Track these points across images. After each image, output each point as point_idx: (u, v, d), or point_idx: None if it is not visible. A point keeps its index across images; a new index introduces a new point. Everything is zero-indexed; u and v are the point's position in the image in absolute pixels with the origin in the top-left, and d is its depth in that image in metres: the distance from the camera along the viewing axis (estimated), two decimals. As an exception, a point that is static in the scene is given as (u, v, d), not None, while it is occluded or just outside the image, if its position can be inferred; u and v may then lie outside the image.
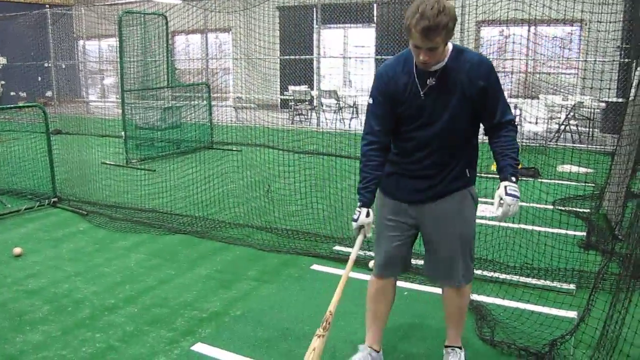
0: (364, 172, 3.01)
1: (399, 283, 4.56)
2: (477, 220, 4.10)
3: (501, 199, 2.89)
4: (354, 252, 3.11)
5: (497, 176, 2.99)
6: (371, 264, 4.76)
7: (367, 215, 3.02)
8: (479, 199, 3.27)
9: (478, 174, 3.27)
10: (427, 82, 2.85)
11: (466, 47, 3.04)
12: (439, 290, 4.44)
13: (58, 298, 4.47)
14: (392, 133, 3.04)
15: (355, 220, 3.02)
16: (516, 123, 3.14)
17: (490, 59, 3.05)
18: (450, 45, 2.84)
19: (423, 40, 2.64)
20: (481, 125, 3.05)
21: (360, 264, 4.61)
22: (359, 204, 3.02)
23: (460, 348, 3.37)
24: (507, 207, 2.86)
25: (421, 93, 2.87)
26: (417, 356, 3.56)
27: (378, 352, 3.40)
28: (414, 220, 3.14)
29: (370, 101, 3.01)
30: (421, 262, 5.06)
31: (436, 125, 2.91)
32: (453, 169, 3.03)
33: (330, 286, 3.67)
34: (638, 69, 5.96)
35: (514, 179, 2.89)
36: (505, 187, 2.89)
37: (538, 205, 6.54)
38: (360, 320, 3.93)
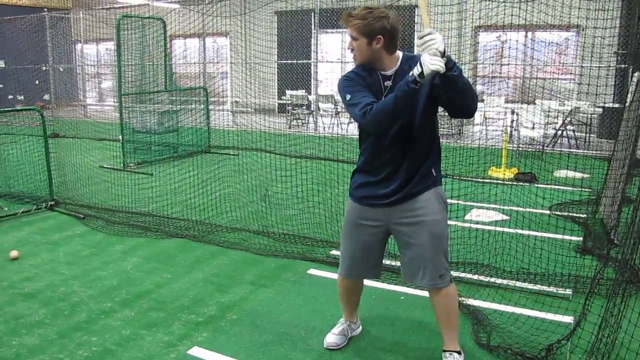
0: (386, 101, 2.93)
1: (397, 288, 4.59)
2: (473, 225, 4.13)
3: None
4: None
5: (494, 181, 3.01)
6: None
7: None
8: (475, 204, 3.29)
9: (474, 179, 3.28)
10: (385, 84, 3.11)
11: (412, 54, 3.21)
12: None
13: (54, 301, 4.47)
14: (362, 138, 3.27)
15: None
16: (512, 127, 3.17)
17: (488, 64, 3.14)
18: (399, 55, 3.13)
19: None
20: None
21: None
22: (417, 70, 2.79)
23: (458, 353, 3.39)
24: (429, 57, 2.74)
25: (383, 95, 3.08)
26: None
27: (355, 322, 3.84)
28: (382, 222, 3.27)
29: (348, 97, 3.07)
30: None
31: (397, 125, 3.08)
32: (419, 170, 3.15)
33: (327, 290, 3.69)
34: (635, 74, 5.99)
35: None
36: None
37: (534, 210, 6.55)
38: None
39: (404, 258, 3.32)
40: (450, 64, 2.77)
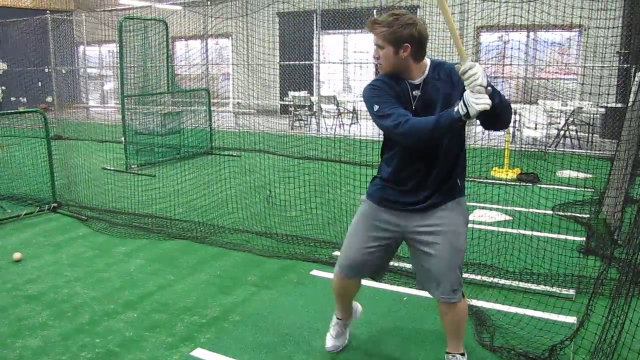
0: (425, 123, 2.81)
1: (399, 288, 4.58)
2: (476, 225, 4.12)
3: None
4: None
5: (496, 182, 3.01)
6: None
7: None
8: (477, 204, 3.28)
9: (476, 179, 3.27)
10: (413, 93, 3.00)
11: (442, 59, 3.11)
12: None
13: (57, 303, 4.47)
14: (387, 147, 3.18)
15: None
16: (515, 127, 3.17)
17: (490, 65, 3.12)
18: (427, 62, 3.03)
19: None
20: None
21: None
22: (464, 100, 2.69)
23: (462, 354, 3.36)
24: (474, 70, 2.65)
25: (412, 105, 2.99)
26: (417, 361, 3.56)
27: (348, 319, 3.74)
28: (398, 229, 3.17)
29: (376, 107, 2.95)
30: (408, 265, 5.09)
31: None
32: (447, 181, 3.08)
33: (330, 292, 3.68)
34: (638, 74, 5.98)
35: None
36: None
37: (537, 211, 6.54)
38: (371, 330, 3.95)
39: (418, 266, 3.23)
40: (492, 95, 2.67)
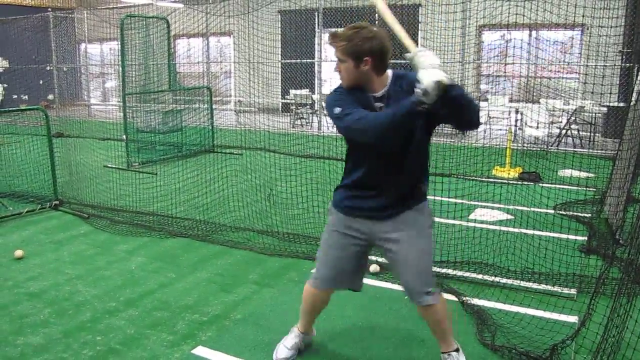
0: (385, 114, 2.81)
1: (400, 287, 4.57)
2: (477, 225, 4.12)
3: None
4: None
5: (498, 181, 3.01)
6: (372, 268, 4.79)
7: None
8: (479, 203, 3.27)
9: (478, 179, 3.25)
10: (376, 105, 2.96)
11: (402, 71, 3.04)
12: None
13: (59, 301, 4.48)
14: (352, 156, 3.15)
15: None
16: (517, 126, 3.15)
17: (491, 63, 3.10)
18: (389, 74, 2.98)
19: None
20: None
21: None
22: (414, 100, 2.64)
23: (456, 351, 3.35)
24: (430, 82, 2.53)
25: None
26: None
27: (309, 334, 3.70)
28: (366, 236, 3.17)
29: (337, 110, 2.91)
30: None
31: (388, 142, 2.94)
32: (413, 186, 3.11)
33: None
34: None
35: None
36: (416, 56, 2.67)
37: (539, 210, 6.54)
38: (368, 331, 3.95)
39: (394, 272, 3.29)
40: (453, 86, 2.60)
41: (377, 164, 3.04)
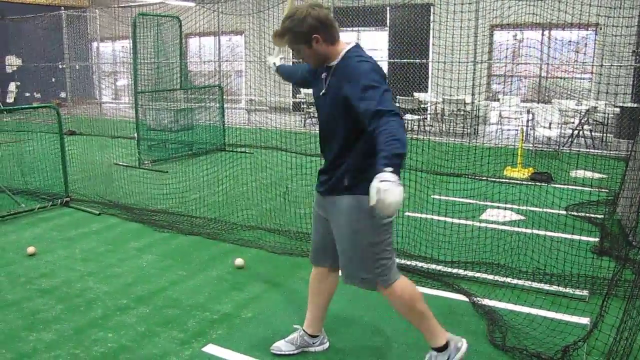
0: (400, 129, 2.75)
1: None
2: (489, 225, 4.09)
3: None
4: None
5: (510, 181, 2.99)
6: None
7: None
8: (491, 203, 3.24)
9: (489, 179, 3.22)
10: (322, 76, 3.09)
11: (361, 54, 3.01)
12: (444, 294, 4.46)
13: (71, 297, 4.50)
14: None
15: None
16: (529, 126, 3.13)
17: (504, 63, 3.08)
18: (347, 47, 3.01)
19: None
20: None
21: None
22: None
23: (438, 350, 3.28)
24: (378, 201, 2.51)
25: (320, 84, 3.12)
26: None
27: (313, 336, 3.62)
28: (324, 211, 3.26)
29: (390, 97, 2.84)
30: (420, 263, 5.08)
31: (321, 118, 3.17)
32: (338, 169, 3.09)
33: (341, 289, 3.68)
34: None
35: (389, 169, 2.54)
36: (375, 179, 2.56)
37: (551, 211, 6.50)
38: (368, 327, 3.95)
39: None
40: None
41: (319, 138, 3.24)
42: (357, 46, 3.06)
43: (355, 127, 2.94)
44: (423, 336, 3.34)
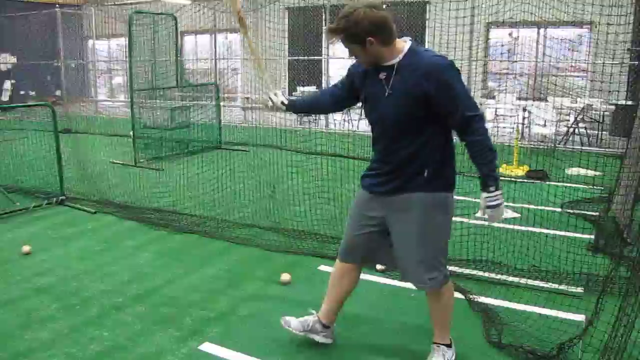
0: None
1: (406, 284, 4.56)
2: (485, 222, 4.10)
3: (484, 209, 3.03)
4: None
5: (505, 178, 3.05)
6: (378, 266, 4.79)
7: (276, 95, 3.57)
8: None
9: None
10: (380, 76, 3.04)
11: (427, 48, 3.14)
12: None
13: (66, 296, 4.49)
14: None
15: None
16: (524, 124, 3.24)
17: (499, 61, 3.15)
18: (407, 45, 3.02)
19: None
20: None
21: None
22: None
23: (447, 346, 3.40)
24: (491, 217, 3.01)
25: (378, 85, 3.06)
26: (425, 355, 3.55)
27: (325, 326, 3.63)
28: (377, 212, 3.22)
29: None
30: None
31: (385, 119, 3.09)
32: (409, 166, 3.08)
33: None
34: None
35: (492, 188, 2.95)
36: (484, 198, 2.99)
37: (546, 208, 6.52)
38: (370, 326, 3.95)
39: (393, 253, 3.30)
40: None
41: (375, 139, 3.23)
42: (416, 42, 3.08)
43: (434, 122, 3.01)
44: (435, 332, 3.41)
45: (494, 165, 2.91)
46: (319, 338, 3.64)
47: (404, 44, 3.03)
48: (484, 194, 2.95)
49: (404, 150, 3.06)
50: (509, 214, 6.51)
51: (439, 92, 2.89)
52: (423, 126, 3.02)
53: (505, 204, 3.09)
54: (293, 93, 16.89)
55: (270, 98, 3.57)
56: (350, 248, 3.43)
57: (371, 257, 3.48)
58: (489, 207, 2.91)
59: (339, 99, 3.44)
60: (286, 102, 3.57)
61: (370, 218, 3.26)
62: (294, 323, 3.63)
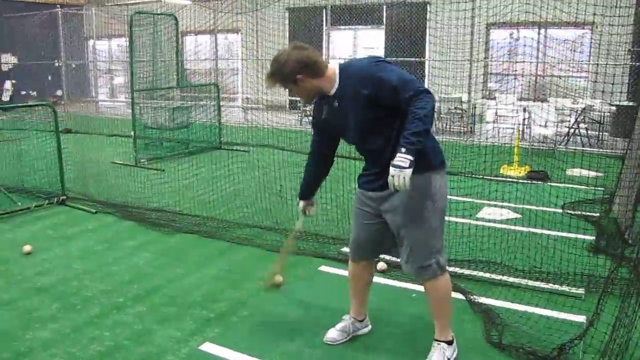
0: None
1: (408, 285, 4.57)
2: (485, 223, 4.10)
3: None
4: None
5: (506, 179, 3.03)
6: (379, 267, 4.79)
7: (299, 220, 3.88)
8: (487, 202, 3.25)
9: (485, 177, 3.23)
10: (332, 104, 3.26)
11: (351, 59, 3.34)
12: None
13: (67, 296, 4.49)
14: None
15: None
16: (525, 125, 3.23)
17: (500, 62, 3.16)
18: (336, 68, 3.23)
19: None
20: None
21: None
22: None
23: (448, 343, 3.43)
24: (391, 178, 2.90)
25: (333, 111, 3.28)
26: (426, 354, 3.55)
27: (361, 321, 3.81)
28: (374, 208, 3.37)
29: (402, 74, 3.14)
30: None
31: (355, 134, 3.30)
32: (387, 159, 3.11)
33: (338, 287, 3.69)
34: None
35: (403, 149, 2.88)
36: (395, 157, 2.93)
37: (547, 209, 6.51)
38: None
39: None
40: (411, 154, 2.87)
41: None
42: (342, 64, 3.29)
43: (395, 114, 3.09)
44: (436, 329, 3.44)
45: (416, 134, 2.87)
46: (362, 331, 3.82)
47: (334, 68, 3.23)
48: (396, 154, 2.91)
49: (387, 150, 3.16)
50: (509, 214, 6.51)
51: (379, 90, 3.03)
52: (388, 122, 3.15)
53: (506, 204, 3.08)
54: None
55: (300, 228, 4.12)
56: (358, 246, 3.56)
57: (378, 250, 3.63)
58: (393, 165, 2.86)
59: (326, 151, 3.68)
60: (302, 207, 3.95)
61: (370, 215, 3.40)
62: (338, 335, 3.73)
